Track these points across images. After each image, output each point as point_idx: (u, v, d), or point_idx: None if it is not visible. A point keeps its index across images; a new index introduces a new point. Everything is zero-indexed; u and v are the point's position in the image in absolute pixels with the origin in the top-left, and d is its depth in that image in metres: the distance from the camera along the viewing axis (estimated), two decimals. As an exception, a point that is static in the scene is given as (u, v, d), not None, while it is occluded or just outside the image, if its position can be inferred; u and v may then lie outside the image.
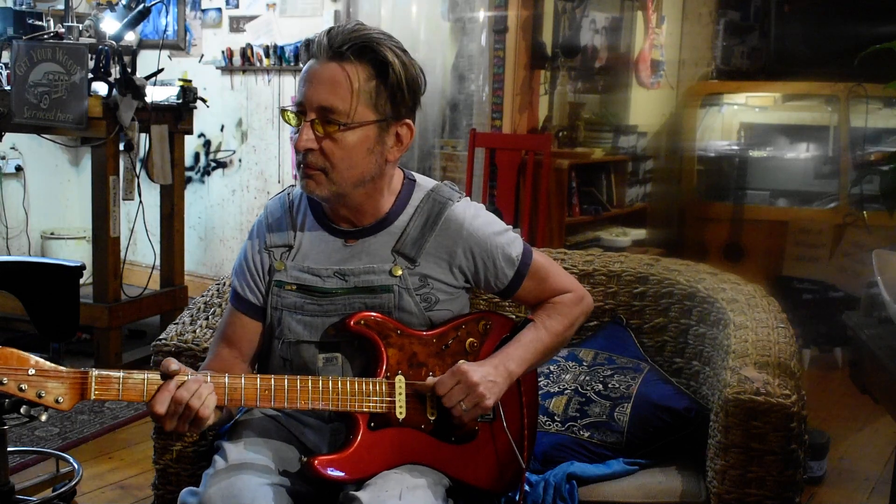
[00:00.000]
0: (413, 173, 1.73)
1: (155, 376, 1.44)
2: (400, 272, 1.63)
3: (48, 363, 1.39)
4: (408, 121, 1.61)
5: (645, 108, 5.34)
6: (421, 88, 1.61)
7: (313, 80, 1.54)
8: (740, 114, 5.06)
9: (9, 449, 2.41)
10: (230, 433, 1.67)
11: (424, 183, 1.71)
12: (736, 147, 4.98)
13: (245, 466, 1.56)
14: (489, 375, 1.59)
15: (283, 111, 1.60)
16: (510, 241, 1.71)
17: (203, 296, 2.13)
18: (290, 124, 1.59)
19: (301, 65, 1.61)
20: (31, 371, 1.37)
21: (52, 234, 5.18)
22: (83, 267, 2.41)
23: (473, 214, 1.69)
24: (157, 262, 4.26)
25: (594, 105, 5.20)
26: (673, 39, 5.40)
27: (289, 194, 1.75)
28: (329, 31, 1.55)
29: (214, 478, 1.54)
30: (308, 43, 1.58)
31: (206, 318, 2.00)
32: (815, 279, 4.45)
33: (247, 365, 1.71)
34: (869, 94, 4.32)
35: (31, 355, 1.39)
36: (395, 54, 1.56)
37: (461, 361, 1.62)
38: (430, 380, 1.60)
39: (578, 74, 5.01)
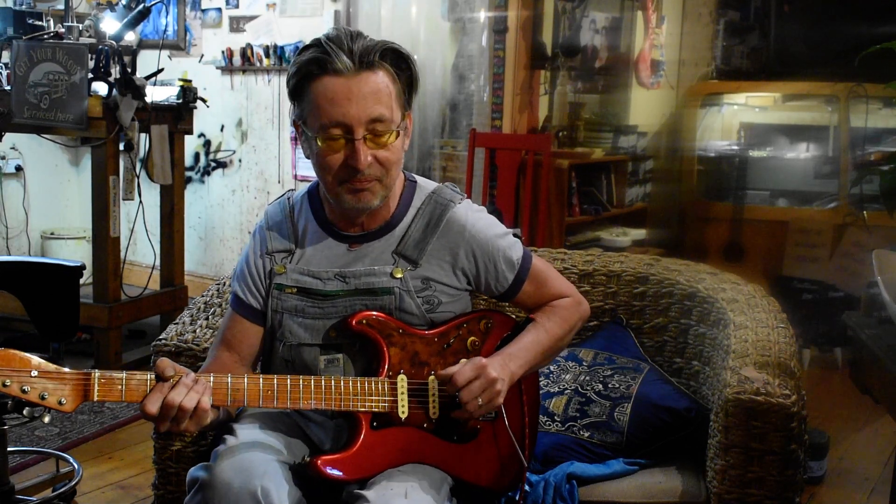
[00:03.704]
0: (413, 175, 1.73)
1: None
2: (401, 274, 1.63)
3: (51, 365, 1.38)
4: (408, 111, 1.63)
5: (645, 108, 5.34)
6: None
7: (352, 96, 1.50)
8: (740, 114, 5.06)
9: (9, 449, 2.41)
10: (238, 419, 1.66)
11: (425, 185, 1.71)
12: (736, 147, 4.98)
13: (256, 443, 1.56)
14: (501, 373, 1.59)
15: (325, 140, 1.52)
16: (511, 244, 1.71)
17: (203, 296, 2.13)
18: (330, 149, 1.53)
19: (291, 81, 1.54)
20: (34, 373, 1.37)
21: (52, 234, 5.18)
22: (83, 267, 2.40)
23: (475, 217, 1.69)
24: (157, 262, 4.26)
25: (594, 105, 5.20)
26: (673, 39, 5.40)
27: (288, 199, 1.74)
28: (338, 43, 1.49)
29: (226, 452, 1.53)
30: (318, 62, 1.50)
31: (206, 318, 2.00)
32: (815, 279, 4.45)
33: (247, 368, 1.71)
34: (869, 94, 4.32)
35: (34, 357, 1.38)
36: (402, 49, 1.57)
37: (476, 357, 1.61)
38: (450, 369, 1.58)
39: (578, 74, 5.01)
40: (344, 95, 1.50)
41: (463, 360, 1.64)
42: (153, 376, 1.44)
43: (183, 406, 1.42)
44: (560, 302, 1.76)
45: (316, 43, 1.53)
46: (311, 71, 1.52)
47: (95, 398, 1.40)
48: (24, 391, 1.36)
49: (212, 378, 1.47)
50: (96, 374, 1.40)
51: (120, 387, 1.41)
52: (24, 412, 2.10)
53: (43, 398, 1.37)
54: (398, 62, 1.55)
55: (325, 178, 1.58)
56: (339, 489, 1.57)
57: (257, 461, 1.50)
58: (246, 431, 1.59)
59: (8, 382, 1.35)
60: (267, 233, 1.71)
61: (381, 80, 1.52)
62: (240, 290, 1.71)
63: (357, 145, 1.51)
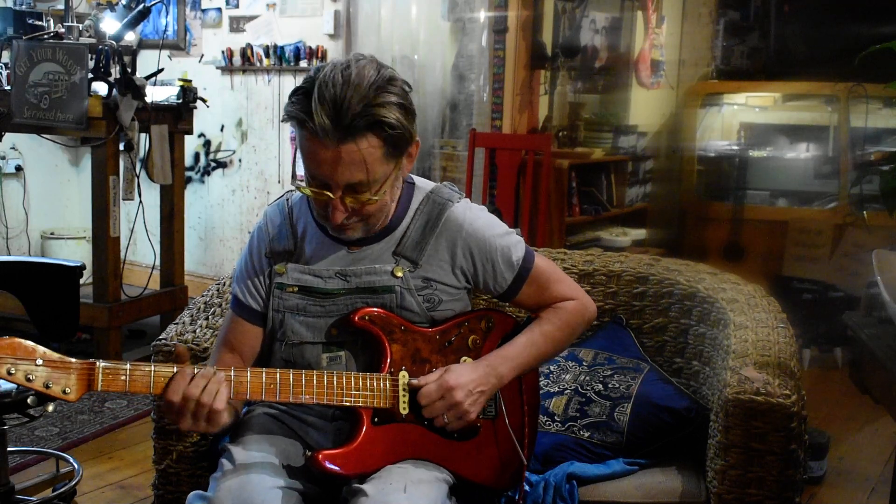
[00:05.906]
0: (411, 175, 1.72)
1: (161, 368, 1.45)
2: (401, 273, 1.63)
3: (56, 354, 1.39)
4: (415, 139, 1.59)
5: (645, 108, 5.34)
6: (412, 103, 1.56)
7: (331, 162, 1.47)
8: (740, 114, 5.06)
9: (9, 449, 2.41)
10: (233, 434, 1.67)
11: (423, 185, 1.71)
12: (736, 147, 4.98)
13: (253, 467, 1.56)
14: (478, 386, 1.59)
15: (299, 188, 1.57)
16: (511, 244, 1.70)
17: (203, 296, 2.13)
18: (305, 194, 1.56)
19: (289, 122, 1.50)
20: (39, 361, 1.38)
21: (52, 234, 5.18)
22: (83, 267, 2.41)
23: (473, 216, 1.69)
24: (157, 262, 4.26)
25: (594, 105, 5.20)
26: (673, 39, 5.40)
27: (287, 200, 1.74)
28: (322, 104, 1.43)
29: (223, 479, 1.54)
30: (302, 121, 1.46)
31: (206, 318, 2.00)
32: (815, 279, 4.45)
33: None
34: (869, 94, 4.32)
35: (39, 346, 1.39)
36: (394, 105, 1.48)
37: (449, 370, 1.61)
38: (418, 381, 1.59)
39: (578, 74, 5.02)
40: (323, 160, 1.48)
41: (464, 358, 1.65)
42: (158, 368, 1.44)
43: (202, 401, 1.43)
44: (563, 304, 1.74)
45: (305, 91, 1.48)
46: (296, 121, 1.49)
47: (99, 388, 1.40)
48: (29, 379, 1.37)
49: (215, 371, 1.47)
50: (101, 363, 1.41)
51: (124, 377, 1.42)
52: (29, 401, 2.11)
53: (47, 387, 1.38)
54: (384, 128, 1.47)
55: (314, 207, 1.61)
56: (338, 489, 1.57)
57: (256, 490, 1.50)
58: (242, 453, 1.59)
59: (13, 370, 1.36)
60: (266, 234, 1.71)
61: (364, 148, 1.47)
62: (239, 291, 1.71)
63: (334, 203, 1.52)
